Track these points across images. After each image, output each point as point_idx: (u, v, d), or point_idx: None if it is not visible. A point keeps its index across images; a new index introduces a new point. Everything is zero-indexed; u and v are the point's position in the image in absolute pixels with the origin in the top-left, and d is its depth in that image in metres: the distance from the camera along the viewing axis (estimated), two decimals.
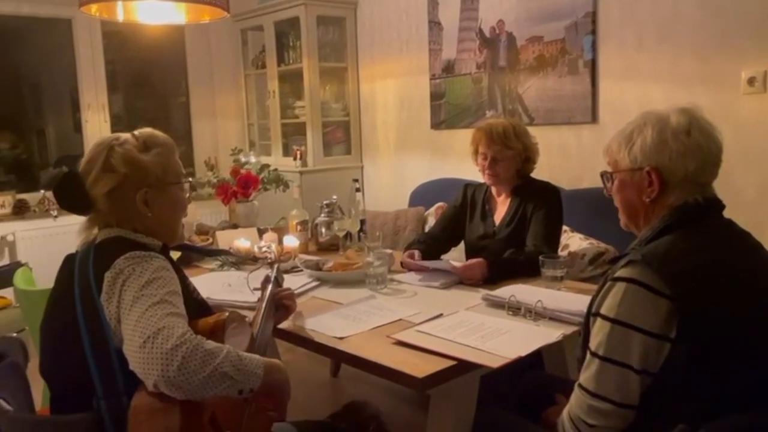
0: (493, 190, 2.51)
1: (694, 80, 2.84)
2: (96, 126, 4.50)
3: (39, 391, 1.39)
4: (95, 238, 1.38)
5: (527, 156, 2.42)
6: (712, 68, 2.78)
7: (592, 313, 1.25)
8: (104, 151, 1.37)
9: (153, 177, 1.39)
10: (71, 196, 1.38)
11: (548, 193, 2.40)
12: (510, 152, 2.37)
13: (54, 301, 1.37)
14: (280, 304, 1.71)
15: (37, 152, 4.82)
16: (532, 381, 1.75)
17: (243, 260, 2.50)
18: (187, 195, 1.51)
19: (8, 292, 3.27)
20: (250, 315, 1.66)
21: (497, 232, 2.44)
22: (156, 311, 1.17)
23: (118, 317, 1.22)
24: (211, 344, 1.17)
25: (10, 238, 4.04)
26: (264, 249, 2.49)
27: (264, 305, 1.59)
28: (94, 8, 2.65)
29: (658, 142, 1.26)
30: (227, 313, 1.38)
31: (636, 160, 1.29)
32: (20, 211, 4.12)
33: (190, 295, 1.42)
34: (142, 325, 1.15)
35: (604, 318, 1.19)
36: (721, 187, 1.32)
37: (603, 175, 1.40)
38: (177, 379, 1.11)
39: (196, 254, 2.59)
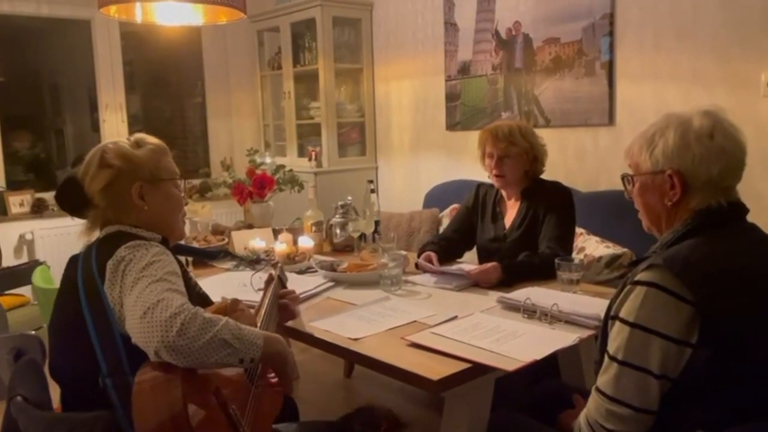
0: (503, 192, 2.49)
1: (713, 82, 2.81)
2: (113, 126, 4.54)
3: (56, 388, 1.40)
4: (97, 237, 1.44)
5: (534, 155, 2.39)
6: (732, 70, 2.75)
7: (610, 317, 1.23)
8: (99, 150, 1.46)
9: (146, 171, 1.46)
10: (70, 198, 1.46)
11: (559, 194, 2.37)
12: (515, 149, 2.35)
13: (59, 299, 1.41)
14: (284, 305, 1.72)
15: (56, 152, 4.88)
16: (548, 389, 1.73)
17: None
18: (183, 194, 1.56)
19: (26, 290, 3.31)
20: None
21: (508, 235, 2.42)
22: (156, 287, 1.21)
23: (122, 302, 1.25)
24: (209, 314, 1.20)
25: (28, 236, 4.09)
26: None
27: (267, 302, 1.61)
28: (113, 9, 2.67)
29: (681, 145, 1.24)
30: (229, 300, 1.41)
31: (658, 163, 1.27)
32: (39, 209, 4.17)
33: (192, 289, 1.47)
34: (143, 299, 1.19)
35: (624, 322, 1.18)
36: (741, 190, 1.30)
37: (624, 177, 1.38)
38: (177, 344, 1.13)
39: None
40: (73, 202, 1.46)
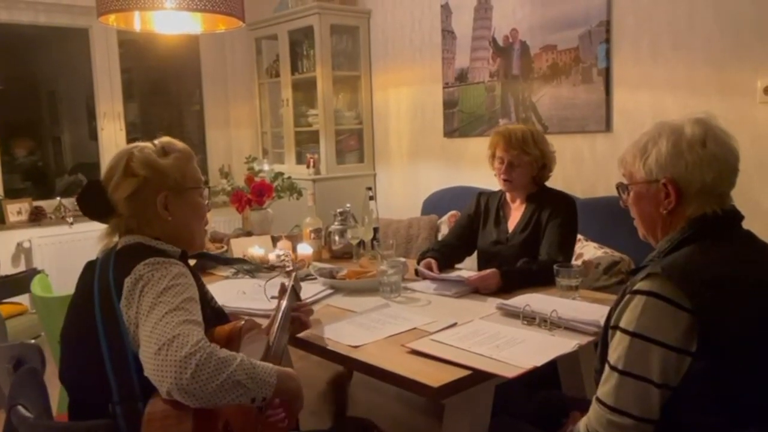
0: (508, 195, 2.51)
1: (709, 89, 2.82)
2: (111, 134, 4.54)
3: (56, 398, 1.40)
4: (116, 245, 1.40)
5: (544, 163, 2.41)
6: (728, 77, 2.76)
7: (610, 326, 1.23)
8: (125, 157, 1.41)
9: (172, 180, 1.42)
10: (94, 203, 1.42)
11: (564, 203, 2.39)
12: (527, 158, 2.37)
13: (74, 306, 1.39)
14: (297, 318, 1.70)
15: (54, 160, 4.88)
16: (548, 399, 1.73)
17: (259, 268, 2.51)
18: (206, 202, 1.53)
19: (24, 299, 3.31)
20: (264, 323, 1.67)
21: (510, 238, 2.44)
22: (172, 318, 1.19)
23: (137, 323, 1.23)
24: (224, 352, 1.18)
25: (26, 244, 4.09)
26: (281, 257, 2.50)
27: (281, 315, 1.59)
28: (111, 18, 2.67)
29: (673, 153, 1.25)
30: (243, 321, 1.39)
31: (651, 172, 1.28)
32: (37, 218, 4.16)
33: (207, 303, 1.44)
34: (158, 332, 1.17)
35: (624, 331, 1.18)
36: (737, 196, 1.31)
37: (618, 186, 1.39)
38: (190, 387, 1.11)
39: (210, 261, 2.61)
40: (95, 207, 1.42)
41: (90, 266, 1.40)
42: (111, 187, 1.40)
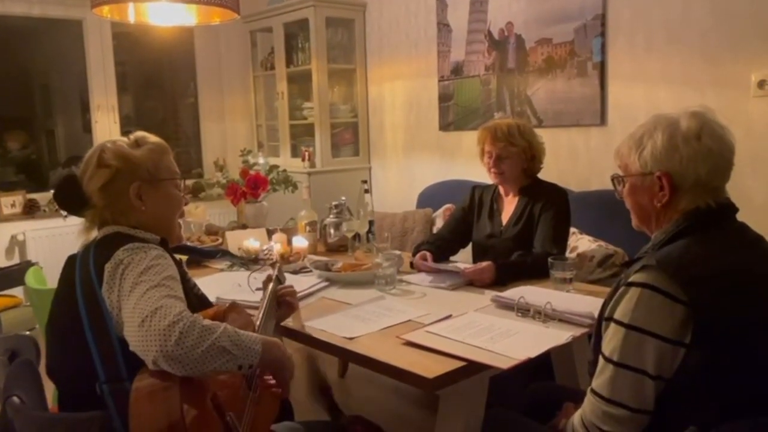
0: (501, 189, 2.52)
1: (703, 83, 2.83)
2: (105, 127, 4.53)
3: (50, 389, 1.40)
4: (95, 238, 1.42)
5: (533, 154, 2.43)
6: (722, 71, 2.77)
7: (605, 318, 1.23)
8: (98, 150, 1.44)
9: (144, 171, 1.44)
10: (68, 196, 1.45)
11: (556, 195, 2.40)
12: (514, 149, 2.39)
13: (57, 300, 1.40)
14: (282, 300, 1.73)
15: (47, 152, 4.86)
16: (541, 390, 1.74)
17: (246, 261, 2.51)
18: (183, 194, 1.55)
19: (18, 291, 3.30)
20: (256, 314, 1.67)
21: (504, 231, 2.45)
22: (154, 293, 1.21)
23: (120, 306, 1.25)
24: (208, 321, 1.20)
25: (20, 237, 4.08)
26: (265, 250, 2.51)
27: (265, 302, 1.61)
28: (105, 9, 2.66)
29: (669, 147, 1.25)
30: (227, 305, 1.41)
31: (646, 165, 1.28)
32: (30, 210, 4.15)
33: (190, 290, 1.46)
34: (141, 306, 1.19)
35: (619, 323, 1.18)
36: (730, 189, 1.31)
37: (614, 178, 1.39)
38: (175, 353, 1.13)
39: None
40: (71, 200, 1.45)
41: (71, 260, 1.41)
42: (85, 179, 1.42)
